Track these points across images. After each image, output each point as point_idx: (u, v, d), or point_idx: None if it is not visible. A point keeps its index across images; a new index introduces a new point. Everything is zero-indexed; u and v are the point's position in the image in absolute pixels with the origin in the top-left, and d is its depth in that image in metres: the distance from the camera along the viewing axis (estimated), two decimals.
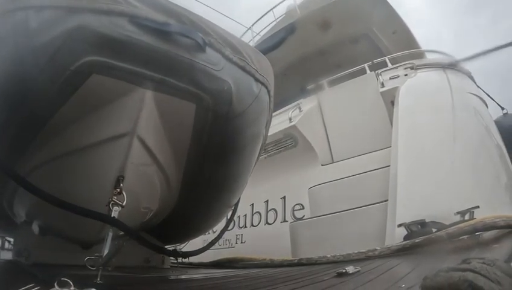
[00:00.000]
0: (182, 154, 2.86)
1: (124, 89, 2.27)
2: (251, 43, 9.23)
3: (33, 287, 1.22)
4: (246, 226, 7.00)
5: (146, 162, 2.59)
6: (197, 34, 2.39)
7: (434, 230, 3.38)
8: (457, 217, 3.59)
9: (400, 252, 3.20)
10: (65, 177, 2.68)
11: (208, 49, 2.46)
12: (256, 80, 2.85)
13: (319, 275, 2.59)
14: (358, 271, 2.35)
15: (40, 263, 3.13)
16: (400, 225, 3.78)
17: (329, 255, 3.69)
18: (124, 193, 2.28)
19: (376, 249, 3.36)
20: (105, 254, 2.02)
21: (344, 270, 2.30)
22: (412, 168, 4.56)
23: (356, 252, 3.49)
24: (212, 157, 2.92)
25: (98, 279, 1.88)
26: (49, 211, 2.34)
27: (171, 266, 4.38)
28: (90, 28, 2.09)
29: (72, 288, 1.25)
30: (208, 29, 2.56)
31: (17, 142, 2.49)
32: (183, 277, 3.58)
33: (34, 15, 2.11)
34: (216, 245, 6.99)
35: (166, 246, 4.42)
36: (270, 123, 3.56)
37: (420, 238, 3.20)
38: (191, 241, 4.70)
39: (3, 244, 5.14)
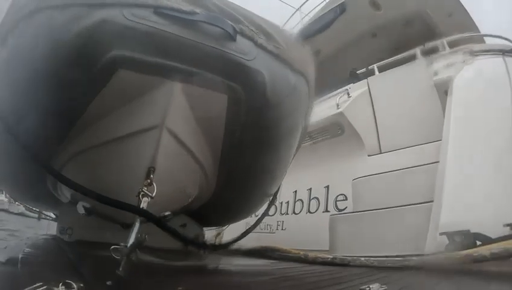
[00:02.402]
0: (217, 145, 2.83)
1: (152, 82, 2.26)
2: (299, 25, 8.93)
3: (40, 286, 1.26)
4: (287, 213, 6.95)
5: (178, 152, 2.58)
6: (226, 22, 2.31)
7: (478, 243, 3.11)
8: (506, 230, 3.26)
9: (438, 266, 2.98)
10: (98, 168, 2.75)
11: (239, 38, 2.37)
12: (293, 69, 2.72)
13: (344, 286, 2.49)
14: None
15: (82, 240, 3.33)
16: (441, 234, 3.51)
17: (363, 258, 3.54)
18: (155, 184, 2.27)
19: (412, 259, 3.17)
20: (130, 243, 2.02)
21: (368, 288, 2.18)
22: (461, 167, 4.19)
23: (391, 259, 3.32)
24: (247, 149, 2.86)
25: (120, 268, 1.90)
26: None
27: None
28: (114, 21, 2.07)
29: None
30: (239, 16, 2.46)
31: (52, 137, 2.56)
32: (211, 266, 3.63)
33: (58, 13, 2.11)
34: (258, 229, 7.10)
35: (206, 229, 4.54)
36: (310, 113, 3.43)
37: (461, 253, 2.94)
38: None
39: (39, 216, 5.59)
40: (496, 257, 2.76)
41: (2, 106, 2.48)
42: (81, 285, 1.35)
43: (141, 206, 2.16)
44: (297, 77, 2.79)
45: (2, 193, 10.67)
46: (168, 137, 2.43)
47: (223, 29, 2.28)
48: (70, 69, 2.14)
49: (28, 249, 3.27)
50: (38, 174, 2.98)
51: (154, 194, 2.24)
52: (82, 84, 2.21)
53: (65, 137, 2.58)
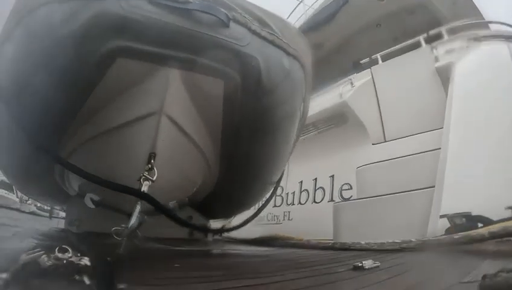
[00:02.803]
0: (216, 131, 2.88)
1: (149, 70, 2.32)
2: (303, 17, 8.89)
3: (38, 251, 1.30)
4: (293, 204, 6.97)
5: (178, 138, 2.65)
6: (219, 10, 2.34)
7: (480, 225, 3.06)
8: (508, 212, 3.21)
9: (436, 247, 2.94)
10: (102, 158, 2.84)
11: (233, 25, 2.41)
12: (288, 54, 2.75)
13: (339, 264, 2.47)
14: (377, 267, 2.18)
15: (90, 231, 3.40)
16: (442, 216, 3.47)
17: (363, 242, 3.52)
18: (155, 169, 2.35)
19: (411, 241, 3.12)
20: (130, 225, 2.07)
21: (360, 264, 2.15)
22: (462, 153, 4.14)
23: (391, 241, 3.29)
24: (246, 134, 2.91)
25: (121, 249, 1.94)
26: (97, 185, 2.49)
27: (214, 240, 4.49)
28: (110, 13, 2.12)
29: (70, 254, 1.32)
30: (232, 3, 2.49)
31: (57, 128, 2.66)
32: (210, 251, 3.65)
33: (56, 8, 2.19)
34: (265, 220, 7.16)
35: (212, 221, 4.57)
36: (308, 99, 3.44)
37: (459, 234, 2.89)
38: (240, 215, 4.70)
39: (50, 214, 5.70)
40: (494, 236, 2.70)
41: (10, 99, 2.57)
42: (78, 254, 1.37)
43: (142, 190, 2.23)
44: (292, 62, 2.81)
45: (14, 193, 10.92)
46: (167, 123, 2.49)
47: (216, 16, 2.32)
48: (70, 60, 2.23)
49: (36, 236, 3.35)
50: (46, 168, 3.09)
51: (154, 178, 2.31)
52: (82, 74, 2.29)
53: (69, 128, 2.67)
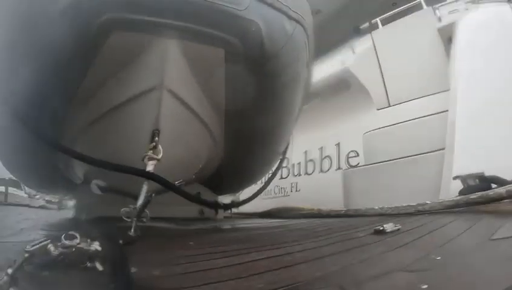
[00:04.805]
0: (220, 103, 2.81)
1: (146, 42, 2.24)
2: None
3: (44, 241, 1.23)
4: (300, 174, 6.95)
5: (181, 113, 2.57)
6: None
7: (493, 186, 3.05)
8: None
9: (453, 208, 2.94)
10: (106, 138, 2.78)
11: None
12: (290, 17, 2.65)
13: (358, 230, 2.44)
14: (398, 230, 2.15)
15: (99, 217, 3.38)
16: (455, 178, 3.45)
17: (376, 207, 3.53)
18: (160, 147, 2.27)
19: (426, 204, 3.12)
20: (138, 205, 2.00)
21: (381, 228, 2.10)
22: (472, 113, 4.05)
23: (405, 205, 3.30)
24: (251, 103, 2.83)
25: (132, 230, 1.87)
26: (103, 170, 2.41)
27: (224, 217, 4.49)
28: None
29: (77, 241, 1.26)
30: None
31: (56, 114, 2.58)
32: (223, 226, 3.65)
33: None
34: (272, 194, 7.17)
35: (220, 197, 4.55)
36: (312, 65, 3.36)
37: (476, 194, 2.88)
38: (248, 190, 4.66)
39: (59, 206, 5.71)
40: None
41: (2, 87, 2.51)
42: (88, 239, 1.31)
43: (147, 170, 2.16)
44: (294, 25, 2.71)
45: (22, 189, 10.90)
46: (169, 97, 2.42)
47: None
48: (63, 38, 2.14)
49: (45, 227, 3.35)
50: (49, 157, 3.01)
51: (160, 156, 2.24)
52: (77, 52, 2.21)
53: (68, 112, 2.59)
